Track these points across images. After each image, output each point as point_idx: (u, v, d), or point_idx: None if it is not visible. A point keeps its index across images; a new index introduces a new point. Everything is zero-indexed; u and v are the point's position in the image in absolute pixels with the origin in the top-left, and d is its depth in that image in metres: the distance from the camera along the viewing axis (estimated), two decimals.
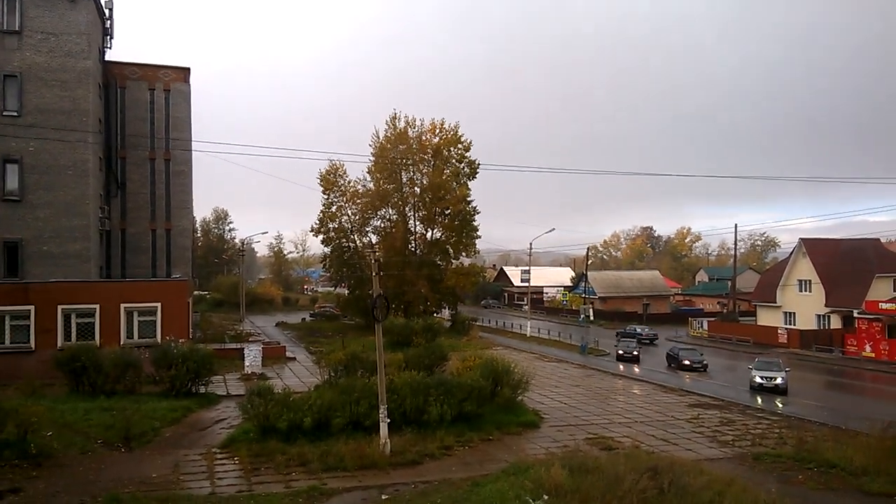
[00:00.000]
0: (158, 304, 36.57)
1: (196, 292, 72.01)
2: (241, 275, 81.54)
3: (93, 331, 34.94)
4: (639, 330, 68.93)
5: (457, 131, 66.45)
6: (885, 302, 55.31)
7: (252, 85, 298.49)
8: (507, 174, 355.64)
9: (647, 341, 65.64)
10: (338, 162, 66.97)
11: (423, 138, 66.66)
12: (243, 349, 39.77)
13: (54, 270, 41.09)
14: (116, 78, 51.83)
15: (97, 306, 35.28)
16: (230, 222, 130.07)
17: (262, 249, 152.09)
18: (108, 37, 52.48)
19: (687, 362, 47.06)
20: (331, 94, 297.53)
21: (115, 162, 51.42)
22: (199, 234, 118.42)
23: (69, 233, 42.73)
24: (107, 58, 51.94)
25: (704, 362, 47.13)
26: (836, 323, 61.00)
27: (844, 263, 62.25)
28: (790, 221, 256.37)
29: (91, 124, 44.15)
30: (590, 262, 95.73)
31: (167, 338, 33.38)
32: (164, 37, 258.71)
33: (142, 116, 52.65)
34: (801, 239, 66.46)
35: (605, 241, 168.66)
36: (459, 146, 66.47)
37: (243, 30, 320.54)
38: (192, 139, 55.09)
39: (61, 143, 42.21)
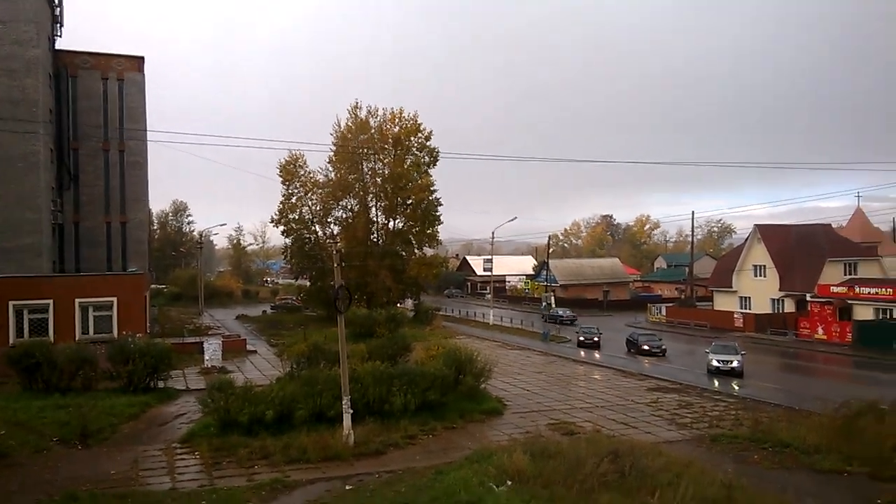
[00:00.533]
0: (114, 299, 35.91)
1: (153, 286, 70.73)
2: (200, 268, 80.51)
3: (46, 327, 34.18)
4: (560, 312, 74.99)
5: (416, 120, 66.25)
6: (837, 286, 56.93)
7: (209, 74, 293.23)
8: (469, 164, 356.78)
9: (568, 322, 70.69)
10: (297, 152, 66.34)
11: (384, 128, 66.27)
12: (203, 343, 39.21)
13: (5, 265, 40.02)
14: (67, 67, 50.49)
15: (51, 301, 34.50)
16: (188, 214, 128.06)
17: (221, 242, 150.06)
18: (58, 24, 51.11)
19: (646, 347, 47.86)
20: (291, 83, 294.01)
21: (68, 153, 50.17)
22: (155, 227, 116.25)
23: (20, 226, 41.66)
24: (57, 46, 50.56)
25: (663, 347, 47.97)
26: (789, 307, 62.56)
27: (797, 249, 63.81)
28: (746, 208, 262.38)
29: (41, 115, 42.98)
30: (551, 250, 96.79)
31: (124, 333, 32.86)
32: (117, 25, 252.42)
33: (95, 107, 51.42)
34: (756, 225, 67.92)
35: (565, 230, 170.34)
36: (420, 135, 66.24)
37: (199, 17, 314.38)
38: (148, 129, 54.02)
39: (10, 134, 41.03)
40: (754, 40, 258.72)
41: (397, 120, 66.22)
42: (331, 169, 67.49)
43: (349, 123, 66.56)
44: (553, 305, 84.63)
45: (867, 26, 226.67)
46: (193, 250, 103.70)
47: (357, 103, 66.70)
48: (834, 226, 75.97)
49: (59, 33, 51.21)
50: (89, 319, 35.44)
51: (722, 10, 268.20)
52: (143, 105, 53.83)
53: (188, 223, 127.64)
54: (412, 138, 66.12)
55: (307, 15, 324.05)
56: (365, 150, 65.37)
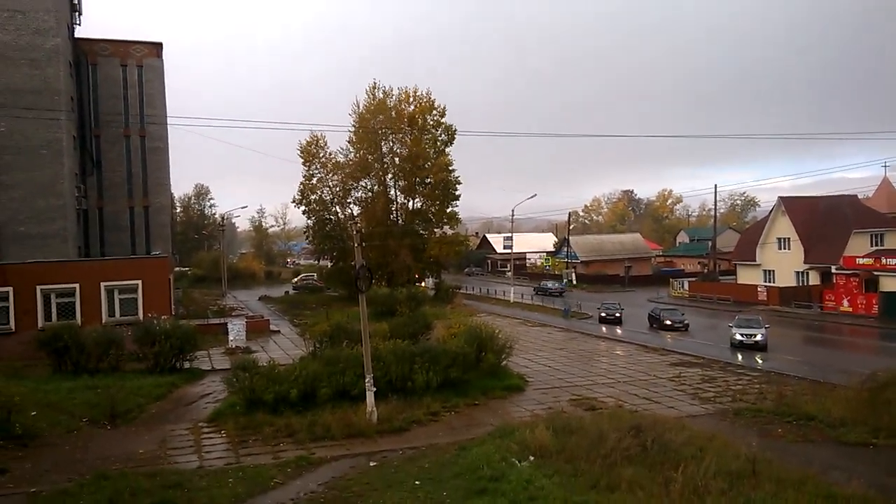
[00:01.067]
0: (139, 282, 36.34)
1: (177, 269, 71.50)
2: (223, 250, 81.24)
3: (73, 310, 34.69)
4: (549, 284, 79.75)
5: (430, 97, 65.92)
6: (862, 257, 56.11)
7: (228, 58, 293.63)
8: (488, 142, 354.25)
9: (557, 294, 75.06)
10: (319, 133, 66.37)
11: (400, 107, 66.04)
12: (227, 324, 39.65)
13: (32, 251, 40.63)
14: (87, 55, 50.80)
15: (77, 285, 34.99)
16: (210, 198, 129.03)
17: (242, 224, 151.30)
18: (77, 13, 51.32)
19: (668, 322, 47.63)
20: (310, 65, 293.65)
21: (90, 140, 50.65)
22: (178, 211, 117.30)
23: (46, 213, 42.22)
24: (76, 34, 50.82)
25: (686, 322, 47.70)
26: (814, 279, 61.85)
27: (822, 221, 62.92)
28: (769, 180, 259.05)
29: (63, 103, 43.36)
30: (571, 226, 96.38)
31: (149, 315, 33.25)
32: (135, 11, 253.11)
33: (115, 93, 51.78)
34: (780, 197, 67.06)
35: (586, 206, 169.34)
36: (434, 112, 65.94)
37: (216, 1, 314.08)
38: (168, 115, 54.34)
39: (34, 122, 41.46)
40: (776, 10, 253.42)
41: (412, 99, 65.95)
42: (351, 149, 67.58)
43: (367, 104, 66.47)
44: (574, 282, 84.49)
45: None
46: (216, 233, 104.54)
47: (375, 84, 66.58)
48: (860, 196, 74.68)
49: (77, 21, 51.44)
50: (115, 302, 35.93)
51: None
52: (163, 90, 54.09)
53: (210, 206, 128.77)
54: (427, 116, 65.86)
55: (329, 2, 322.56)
56: (384, 130, 65.24)
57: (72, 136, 45.64)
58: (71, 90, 46.81)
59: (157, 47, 53.99)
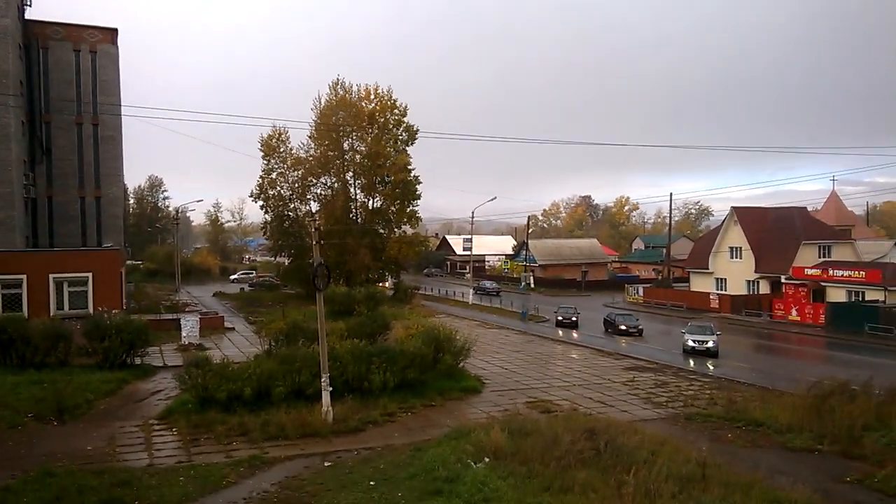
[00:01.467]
0: (89, 275, 35.52)
1: (129, 262, 69.94)
2: (176, 244, 79.68)
3: (20, 302, 33.75)
4: (487, 284, 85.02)
5: (391, 96, 65.62)
6: (811, 268, 57.75)
7: (186, 47, 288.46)
8: (450, 143, 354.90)
9: (494, 293, 79.87)
10: (280, 127, 65.56)
11: (361, 104, 65.59)
12: (180, 320, 38.91)
13: None
14: (38, 38, 49.35)
15: (24, 277, 34.06)
16: (164, 190, 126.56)
17: (198, 218, 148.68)
18: None
19: (623, 327, 48.24)
20: (269, 57, 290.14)
21: (40, 126, 49.22)
22: (132, 202, 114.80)
23: None
24: (27, 16, 49.33)
25: (640, 327, 48.39)
26: (764, 288, 63.38)
27: (773, 231, 64.53)
28: (723, 190, 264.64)
29: (11, 87, 42.09)
30: (530, 230, 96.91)
31: (99, 308, 32.46)
32: None
33: (67, 79, 50.41)
34: (733, 207, 68.50)
35: (545, 211, 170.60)
36: (396, 111, 65.69)
37: None
38: (122, 103, 53.08)
39: None
40: (733, 26, 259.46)
41: (372, 96, 65.58)
42: (312, 145, 66.87)
43: (329, 99, 65.86)
44: (532, 285, 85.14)
45: (845, 11, 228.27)
46: (170, 226, 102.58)
47: (338, 80, 66.02)
48: (809, 209, 76.89)
49: (28, 2, 49.95)
50: (64, 295, 35.04)
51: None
52: (117, 78, 52.88)
53: (164, 199, 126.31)
54: (388, 114, 65.55)
55: None
56: (344, 127, 64.70)
57: (20, 122, 44.31)
58: (20, 73, 45.46)
59: (112, 33, 52.76)
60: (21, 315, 31.21)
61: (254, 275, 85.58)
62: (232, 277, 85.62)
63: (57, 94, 49.83)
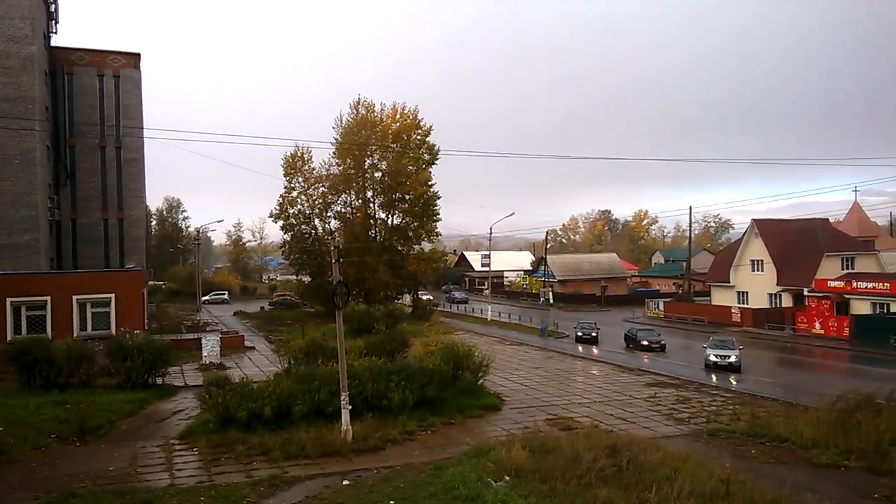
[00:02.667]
0: (112, 296, 35.91)
1: (151, 283, 70.62)
2: (197, 264, 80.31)
3: (44, 323, 34.17)
4: (457, 295, 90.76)
5: (416, 115, 66.07)
6: (834, 280, 56.97)
7: (205, 71, 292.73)
8: (467, 159, 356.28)
9: (463, 301, 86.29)
10: (303, 147, 66.23)
11: (385, 123, 66.08)
12: (201, 339, 39.21)
13: (2, 262, 40.08)
14: (63, 64, 50.36)
15: (48, 298, 34.48)
16: (183, 210, 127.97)
17: (218, 238, 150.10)
18: (54, 21, 50.95)
19: (645, 343, 47.70)
20: (290, 79, 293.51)
21: (64, 150, 50.10)
22: (153, 223, 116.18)
23: (17, 224, 41.60)
24: (53, 43, 50.41)
25: (662, 342, 47.88)
26: (787, 301, 62.60)
27: (795, 243, 63.81)
28: (744, 203, 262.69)
29: (38, 112, 42.90)
30: (549, 245, 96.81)
31: (122, 329, 32.78)
32: (113, 21, 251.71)
33: (91, 103, 51.33)
34: (754, 220, 67.87)
35: (564, 225, 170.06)
36: (419, 131, 66.11)
37: (196, 13, 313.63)
38: (144, 126, 53.89)
39: (7, 131, 40.95)
40: (754, 36, 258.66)
41: (398, 115, 66.06)
42: (334, 163, 67.36)
43: (350, 118, 66.43)
44: (551, 300, 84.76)
45: (865, 22, 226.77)
46: (191, 246, 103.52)
47: (359, 99, 66.59)
48: (831, 220, 75.96)
49: (54, 30, 51.05)
50: (87, 316, 35.43)
51: (722, 6, 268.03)
52: (140, 101, 53.73)
53: (184, 219, 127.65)
54: (411, 134, 65.98)
55: (307, 10, 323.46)
56: (367, 147, 65.12)
57: (45, 146, 45.12)
58: (46, 99, 46.35)
59: (135, 58, 53.68)
60: (45, 336, 31.64)
61: (226, 295, 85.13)
62: (204, 299, 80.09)
63: (81, 118, 50.76)
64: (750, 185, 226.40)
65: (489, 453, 17.99)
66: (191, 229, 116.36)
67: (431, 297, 75.17)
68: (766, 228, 66.28)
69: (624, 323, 64.31)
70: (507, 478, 16.15)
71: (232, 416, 21.97)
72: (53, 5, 50.56)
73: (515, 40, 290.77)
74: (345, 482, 17.79)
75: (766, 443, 21.51)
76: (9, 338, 32.51)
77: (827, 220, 71.99)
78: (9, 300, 33.63)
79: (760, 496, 14.85)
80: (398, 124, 65.77)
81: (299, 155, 65.89)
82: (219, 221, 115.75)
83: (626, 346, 49.48)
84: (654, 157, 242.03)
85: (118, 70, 52.24)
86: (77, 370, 28.28)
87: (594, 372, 38.51)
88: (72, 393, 26.49)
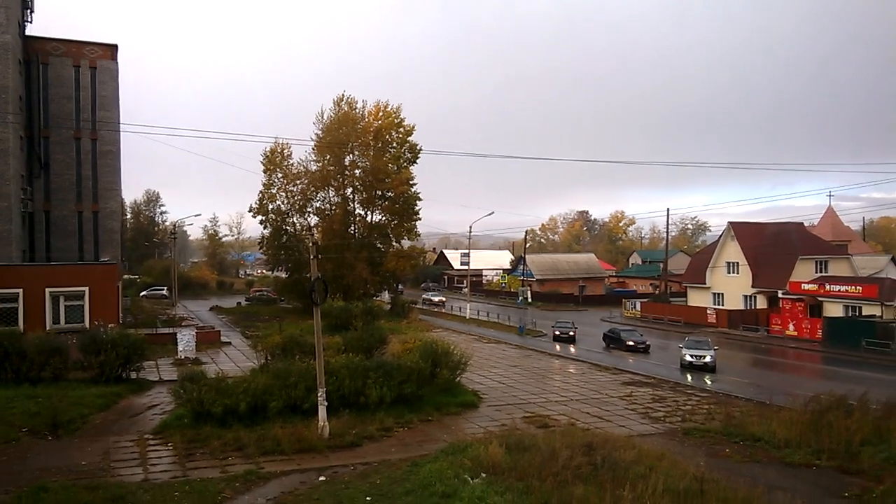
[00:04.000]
0: (86, 289, 35.45)
1: (126, 276, 69.80)
2: (174, 258, 79.52)
3: (15, 316, 33.64)
4: (433, 297, 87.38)
5: (398, 114, 65.81)
6: (808, 283, 57.81)
7: (184, 64, 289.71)
8: (448, 158, 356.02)
9: (438, 305, 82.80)
10: (284, 142, 65.68)
11: (366, 120, 65.74)
12: (176, 334, 38.80)
13: None
14: (38, 54, 49.52)
15: (20, 291, 33.96)
16: (161, 204, 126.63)
17: (195, 232, 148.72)
18: (29, 10, 50.10)
19: (631, 343, 47.26)
20: (270, 73, 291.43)
21: (38, 141, 49.27)
22: (129, 217, 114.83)
23: None
24: (27, 32, 49.53)
25: (647, 343, 47.70)
26: (761, 303, 63.40)
27: (770, 246, 64.66)
28: (720, 205, 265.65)
29: (11, 102, 42.17)
30: (528, 245, 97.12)
31: (95, 323, 32.39)
32: (90, 12, 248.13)
33: (66, 94, 50.52)
34: (730, 223, 68.67)
35: (543, 225, 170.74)
36: (401, 129, 65.88)
37: (174, 5, 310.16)
38: (121, 119, 53.19)
39: None
40: (729, 41, 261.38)
41: (380, 113, 65.74)
42: (313, 159, 66.91)
43: (332, 115, 66.00)
44: (529, 299, 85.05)
45: (838, 28, 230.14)
46: (167, 240, 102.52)
47: (342, 96, 66.14)
48: (806, 224, 77.05)
49: (29, 19, 50.17)
50: (60, 309, 34.94)
51: (697, 12, 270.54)
52: (116, 93, 52.98)
53: (161, 213, 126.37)
54: (393, 132, 65.74)
55: (290, 5, 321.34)
56: (347, 143, 64.76)
57: (19, 136, 44.38)
58: (20, 89, 45.58)
59: (111, 49, 52.92)
60: (17, 329, 31.09)
61: (164, 290, 79.45)
62: (142, 293, 78.52)
63: (56, 109, 49.94)
64: (726, 188, 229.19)
65: (466, 450, 18.02)
66: (167, 223, 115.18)
67: (415, 302, 74.62)
68: (742, 231, 67.07)
69: (601, 322, 64.78)
70: (483, 475, 16.19)
71: (207, 411, 21.77)
72: None
73: (497, 37, 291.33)
74: (321, 478, 17.71)
75: (739, 442, 21.78)
76: None
77: (802, 223, 73.05)
78: None
79: (734, 495, 15.01)
80: (380, 122, 65.46)
81: (279, 150, 65.39)
82: (196, 216, 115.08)
83: (605, 347, 49.61)
84: (631, 159, 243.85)
85: (95, 61, 51.47)
86: (49, 364, 27.77)
87: (571, 370, 38.71)
88: (44, 387, 26.09)
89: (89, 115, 51.11)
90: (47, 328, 33.11)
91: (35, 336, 28.94)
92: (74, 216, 50.60)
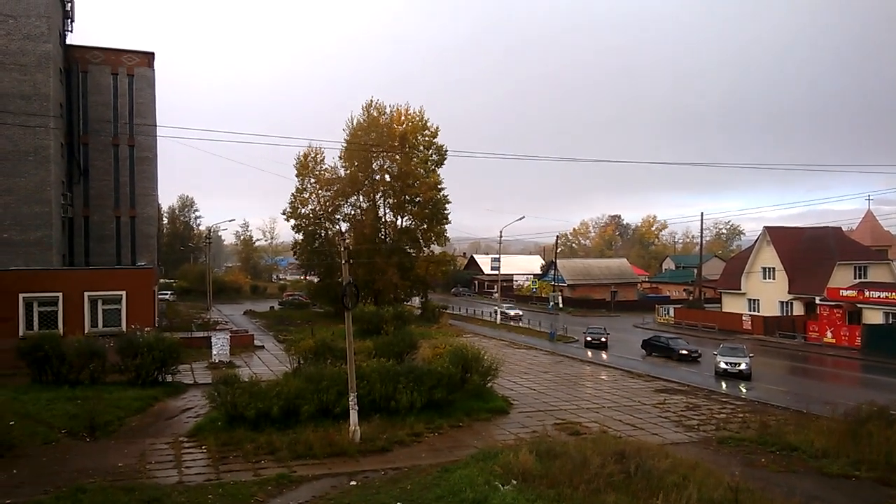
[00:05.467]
0: (123, 293, 36.01)
1: (162, 280, 70.92)
2: (208, 263, 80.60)
3: (56, 319, 34.29)
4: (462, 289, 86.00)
5: (423, 117, 66.10)
6: (846, 289, 56.58)
7: (218, 70, 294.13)
8: (478, 162, 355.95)
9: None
10: (317, 147, 66.37)
11: (392, 125, 66.13)
12: (211, 338, 39.34)
13: (15, 258, 40.26)
14: (78, 62, 50.67)
15: (60, 294, 34.61)
16: (196, 210, 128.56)
17: (228, 237, 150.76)
18: (69, 20, 51.28)
19: (684, 352, 45.58)
20: (302, 80, 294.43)
21: (78, 148, 50.37)
22: (164, 222, 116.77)
23: (30, 220, 41.84)
24: (68, 41, 50.72)
25: (699, 351, 46.11)
26: (798, 309, 62.23)
27: (807, 251, 63.45)
28: (755, 210, 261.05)
29: (52, 109, 43.16)
30: (559, 250, 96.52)
31: (132, 326, 32.91)
32: (128, 20, 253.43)
33: (105, 102, 51.58)
34: (766, 227, 67.54)
35: (574, 230, 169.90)
36: (426, 132, 66.16)
37: (209, 13, 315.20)
38: (157, 125, 54.16)
39: (22, 128, 41.24)
40: (767, 42, 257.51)
41: (403, 117, 66.09)
42: (341, 165, 67.52)
43: (361, 120, 66.54)
44: (560, 305, 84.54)
45: (881, 29, 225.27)
46: (202, 245, 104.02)
47: (371, 101, 66.69)
48: (844, 229, 75.48)
49: (69, 28, 51.35)
50: (98, 313, 35.55)
51: (734, 11, 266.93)
52: (153, 100, 53.95)
53: (196, 218, 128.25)
54: (419, 136, 66.03)
55: (317, 12, 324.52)
56: (376, 148, 65.21)
57: (59, 143, 45.38)
58: (60, 97, 46.63)
59: (148, 57, 53.92)
60: (56, 332, 31.76)
61: (168, 294, 79.99)
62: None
63: (95, 116, 51.06)
64: (762, 191, 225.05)
65: (497, 457, 17.94)
66: (202, 228, 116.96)
67: (445, 307, 73.83)
68: (778, 236, 65.93)
69: (634, 329, 64.13)
70: (514, 482, 16.10)
71: (240, 414, 22.03)
72: (69, 4, 50.89)
73: (524, 40, 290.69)
74: (352, 483, 17.79)
75: (775, 451, 21.38)
76: (21, 333, 32.67)
77: (840, 228, 71.61)
78: (21, 296, 33.77)
79: None
80: (404, 126, 65.81)
81: (312, 155, 66.07)
82: (230, 221, 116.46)
83: (646, 354, 48.32)
84: (665, 161, 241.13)
85: (132, 69, 52.49)
86: (88, 366, 28.38)
87: (603, 377, 38.39)
88: (82, 389, 26.61)
89: (127, 121, 52.13)
90: (86, 331, 33.71)
91: (74, 339, 29.52)
92: (112, 221, 51.58)
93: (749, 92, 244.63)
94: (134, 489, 16.17)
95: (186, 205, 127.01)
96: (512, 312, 74.64)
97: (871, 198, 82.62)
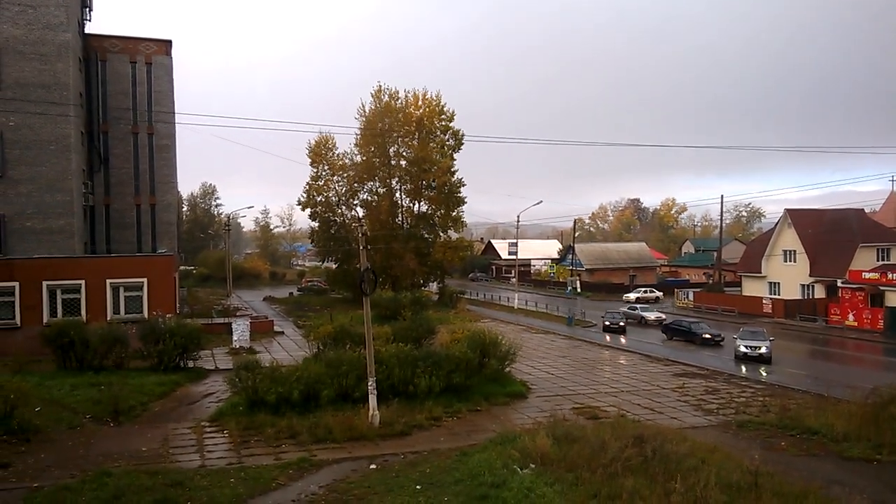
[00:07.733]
0: (145, 280, 36.40)
1: (182, 267, 71.64)
2: (228, 249, 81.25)
3: (79, 306, 34.77)
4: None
5: (439, 101, 65.83)
6: (869, 271, 55.87)
7: (236, 56, 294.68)
8: (495, 147, 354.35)
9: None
10: (328, 134, 66.37)
11: (408, 110, 65.94)
12: (231, 324, 39.73)
13: (38, 247, 40.80)
14: (97, 51, 50.96)
15: (83, 282, 35.06)
16: (216, 197, 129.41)
17: (248, 224, 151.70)
18: (88, 9, 51.52)
19: (707, 336, 45.06)
20: (318, 65, 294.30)
21: (98, 136, 50.78)
22: (185, 209, 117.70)
23: (52, 208, 42.33)
24: (86, 30, 51.02)
25: (722, 335, 45.69)
26: (819, 292, 61.59)
27: (829, 234, 62.68)
28: (775, 192, 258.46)
29: (72, 98, 43.51)
30: (577, 234, 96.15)
31: (154, 313, 33.32)
32: (145, 8, 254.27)
33: (123, 90, 51.90)
34: (787, 209, 66.80)
35: (592, 214, 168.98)
36: (443, 117, 65.92)
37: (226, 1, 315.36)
38: (176, 112, 54.45)
39: (42, 117, 41.64)
40: (789, 22, 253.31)
41: (420, 102, 65.88)
42: (356, 152, 67.55)
43: (373, 107, 66.43)
44: (578, 289, 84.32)
45: None
46: (221, 232, 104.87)
47: (380, 87, 66.52)
48: (867, 210, 74.43)
49: (88, 17, 51.63)
50: (120, 300, 35.99)
51: None
52: (171, 88, 54.19)
53: (216, 205, 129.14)
54: (435, 120, 65.81)
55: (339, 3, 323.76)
56: (390, 133, 65.16)
57: (80, 132, 45.78)
58: (80, 86, 46.97)
59: (166, 45, 54.13)
60: (80, 319, 32.25)
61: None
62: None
63: (114, 104, 51.41)
64: (782, 173, 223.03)
65: (515, 440, 18.03)
66: (222, 215, 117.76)
67: (462, 292, 73.82)
68: (799, 218, 65.17)
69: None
70: (532, 465, 16.19)
71: (261, 399, 22.29)
72: None
73: (539, 21, 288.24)
74: (372, 466, 17.97)
75: (795, 435, 21.26)
76: (45, 320, 33.19)
77: (862, 210, 70.64)
78: (45, 283, 34.26)
79: (789, 489, 14.70)
80: (420, 111, 65.60)
81: (324, 142, 66.08)
82: (249, 207, 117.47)
83: (667, 339, 47.96)
84: (684, 144, 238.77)
85: (150, 57, 52.71)
86: (111, 352, 28.89)
87: (622, 361, 38.33)
88: (106, 375, 27.08)
89: (146, 109, 52.43)
90: (108, 318, 34.18)
91: (97, 326, 30.01)
92: (133, 209, 52.06)
93: (771, 73, 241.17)
94: (158, 473, 16.46)
95: (208, 192, 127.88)
96: (619, 321, 52.93)
97: (894, 179, 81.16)
